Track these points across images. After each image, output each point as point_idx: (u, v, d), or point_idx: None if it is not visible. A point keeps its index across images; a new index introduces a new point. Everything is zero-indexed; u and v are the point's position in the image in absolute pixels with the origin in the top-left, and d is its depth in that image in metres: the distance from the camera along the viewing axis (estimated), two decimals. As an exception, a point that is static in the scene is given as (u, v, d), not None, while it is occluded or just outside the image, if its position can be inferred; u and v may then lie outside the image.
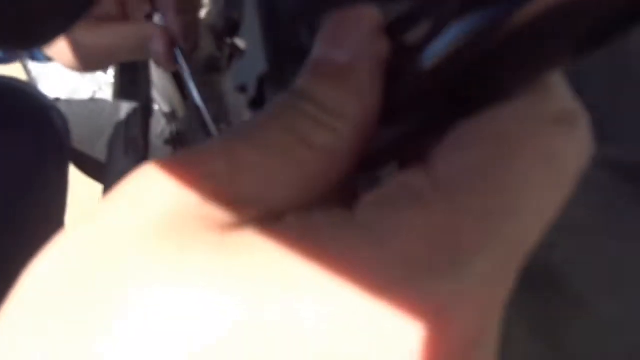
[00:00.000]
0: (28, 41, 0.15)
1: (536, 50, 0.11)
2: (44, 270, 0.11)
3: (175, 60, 0.43)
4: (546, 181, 0.11)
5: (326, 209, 0.12)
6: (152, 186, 0.12)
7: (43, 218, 0.57)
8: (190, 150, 0.13)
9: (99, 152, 0.70)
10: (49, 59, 0.51)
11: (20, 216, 0.53)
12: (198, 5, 0.45)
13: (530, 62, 0.12)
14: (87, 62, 0.46)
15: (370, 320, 0.10)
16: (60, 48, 0.45)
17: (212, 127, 0.37)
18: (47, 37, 0.16)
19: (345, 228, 0.11)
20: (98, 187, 0.72)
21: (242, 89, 0.32)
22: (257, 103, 0.32)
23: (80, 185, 0.84)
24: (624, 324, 0.24)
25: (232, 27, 0.39)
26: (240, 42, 0.54)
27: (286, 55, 0.30)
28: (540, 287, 0.26)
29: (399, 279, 0.10)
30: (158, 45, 0.42)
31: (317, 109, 0.13)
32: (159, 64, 0.45)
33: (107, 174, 0.44)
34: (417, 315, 0.10)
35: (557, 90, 0.12)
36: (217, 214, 0.12)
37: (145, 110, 0.52)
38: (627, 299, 0.25)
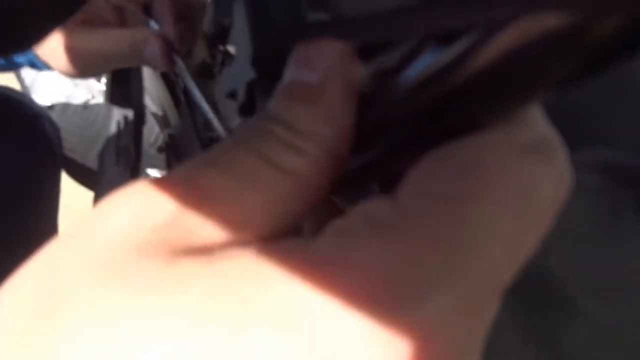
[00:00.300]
0: (9, 46, 0.14)
1: (513, 83, 0.11)
2: (3, 300, 0.11)
3: (172, 61, 0.42)
4: (518, 213, 0.11)
5: (284, 240, 0.11)
6: (110, 212, 0.12)
7: (35, 227, 0.57)
8: (150, 179, 0.12)
9: (92, 160, 0.70)
10: (47, 67, 0.50)
11: (12, 225, 0.52)
12: (197, 13, 0.44)
13: (505, 95, 0.11)
14: (82, 68, 0.45)
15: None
16: (55, 54, 0.45)
17: (217, 125, 0.36)
18: (28, 41, 0.15)
19: (298, 257, 0.10)
20: (91, 195, 0.72)
21: (232, 95, 0.32)
22: (246, 109, 0.32)
23: (74, 194, 0.83)
24: (618, 329, 0.24)
25: (223, 34, 0.39)
26: (232, 49, 0.54)
27: (276, 62, 0.30)
28: (534, 292, 0.26)
29: (350, 313, 0.10)
30: (153, 48, 0.41)
31: (286, 131, 0.12)
32: (155, 65, 0.44)
33: (98, 183, 0.44)
34: (373, 349, 0.09)
35: (532, 118, 0.12)
36: (173, 240, 0.11)
37: (137, 118, 0.51)
38: (621, 304, 0.25)
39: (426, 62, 0.12)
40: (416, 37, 0.12)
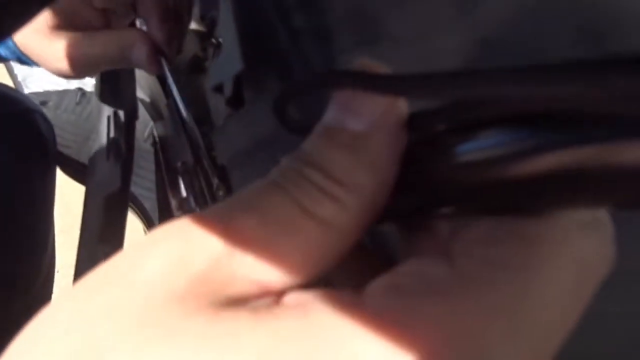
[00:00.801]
0: None
1: (576, 189, 0.10)
2: (27, 351, 0.11)
3: (159, 66, 0.42)
4: (574, 286, 0.11)
5: (329, 290, 0.11)
6: (147, 256, 0.11)
7: (30, 221, 0.57)
8: (188, 218, 0.12)
9: (86, 156, 0.70)
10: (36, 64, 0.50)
11: (5, 222, 0.52)
12: (184, 13, 0.44)
13: (568, 198, 0.11)
14: (70, 70, 0.44)
15: None
16: (42, 56, 0.45)
17: (195, 133, 0.36)
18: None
19: (354, 315, 0.10)
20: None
21: (219, 88, 0.32)
22: (234, 103, 0.32)
23: (69, 189, 0.83)
24: (620, 325, 0.24)
25: (211, 27, 0.38)
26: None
27: (263, 55, 0.30)
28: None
29: None
30: (140, 52, 0.41)
31: (324, 178, 0.12)
32: (142, 68, 0.44)
33: (88, 178, 0.44)
34: None
35: None
36: (213, 290, 0.11)
37: (129, 113, 0.51)
38: (622, 299, 0.25)
39: (496, 142, 0.11)
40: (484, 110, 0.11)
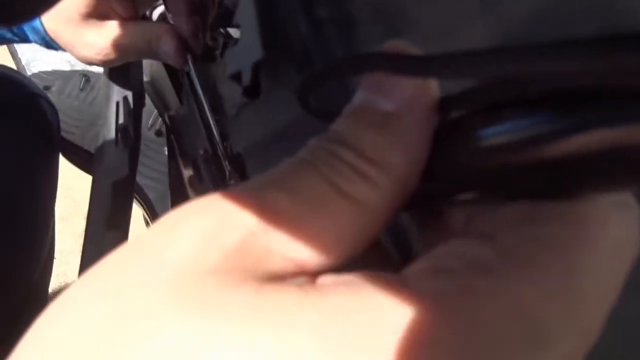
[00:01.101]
0: (11, 14, 0.14)
1: (610, 171, 0.10)
2: (62, 327, 0.10)
3: (184, 59, 0.42)
4: (615, 264, 0.11)
5: (369, 272, 0.11)
6: (179, 230, 0.11)
7: (32, 208, 0.56)
8: (218, 194, 0.12)
9: (89, 142, 0.69)
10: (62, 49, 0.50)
11: (8, 207, 0.52)
12: (209, 7, 0.44)
13: (602, 181, 0.11)
14: (98, 59, 0.45)
15: None
16: (70, 44, 0.45)
17: (211, 121, 0.36)
18: (31, 9, 0.15)
19: (405, 297, 0.10)
20: (88, 178, 0.71)
21: (237, 77, 0.31)
22: (251, 91, 0.32)
23: (69, 176, 0.82)
24: (621, 320, 0.24)
25: (225, 16, 0.38)
26: (233, 32, 0.53)
27: (283, 44, 0.29)
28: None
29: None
30: (168, 46, 0.42)
31: (356, 157, 0.12)
32: (168, 61, 0.45)
33: (95, 165, 0.43)
34: None
35: None
36: (249, 266, 0.11)
37: (137, 99, 0.51)
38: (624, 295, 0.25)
39: (523, 125, 0.11)
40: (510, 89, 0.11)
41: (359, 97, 0.13)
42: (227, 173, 0.34)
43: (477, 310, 0.10)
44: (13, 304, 0.56)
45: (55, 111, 0.61)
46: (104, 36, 0.43)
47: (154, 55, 0.44)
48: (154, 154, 0.68)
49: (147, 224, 0.71)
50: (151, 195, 0.65)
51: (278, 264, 0.11)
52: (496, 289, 0.10)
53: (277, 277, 0.11)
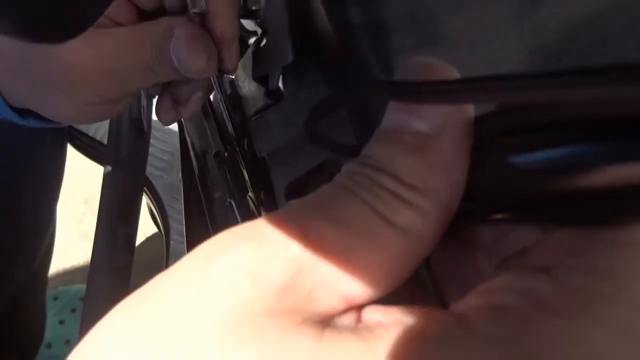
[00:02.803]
0: (71, 25, 0.13)
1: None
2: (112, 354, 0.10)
3: (212, 69, 0.28)
4: None
5: (418, 309, 0.11)
6: (222, 264, 0.11)
7: (39, 195, 0.56)
8: (259, 221, 0.11)
9: (97, 131, 0.69)
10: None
11: (15, 194, 0.51)
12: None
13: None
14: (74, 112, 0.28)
15: None
16: (13, 80, 0.28)
17: (227, 121, 0.35)
18: (86, 19, 0.14)
19: (469, 345, 0.10)
20: (96, 167, 0.71)
21: (262, 79, 0.31)
22: (276, 94, 0.31)
23: (77, 165, 0.82)
24: None
25: (246, 14, 0.37)
26: (246, 23, 0.53)
27: (311, 48, 0.29)
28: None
29: None
30: (181, 42, 0.26)
31: (398, 184, 0.12)
32: (185, 68, 0.27)
33: (107, 156, 0.43)
34: None
35: None
36: (300, 306, 0.10)
37: (148, 90, 0.50)
38: None
39: (567, 155, 0.10)
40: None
41: (390, 119, 0.13)
42: (246, 177, 0.33)
43: (544, 357, 0.10)
44: (14, 288, 0.56)
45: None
46: (85, 55, 0.26)
47: (163, 65, 0.27)
48: (161, 143, 0.67)
49: (151, 213, 0.71)
50: (157, 184, 0.65)
51: (328, 302, 0.11)
52: (560, 328, 0.10)
53: (328, 317, 0.11)
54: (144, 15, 0.29)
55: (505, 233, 0.14)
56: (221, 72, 0.30)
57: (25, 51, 0.26)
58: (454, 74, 0.13)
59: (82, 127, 0.69)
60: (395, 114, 0.13)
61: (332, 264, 0.11)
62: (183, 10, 0.28)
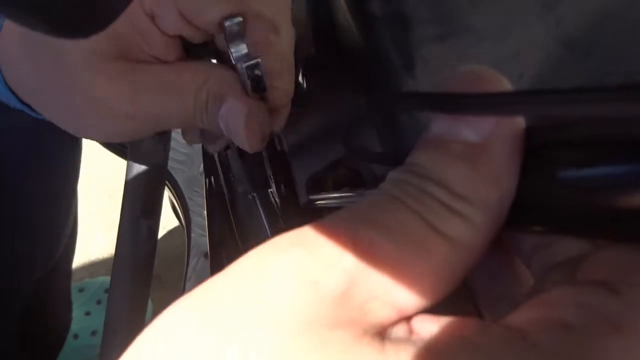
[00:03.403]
0: (92, 21, 0.13)
1: None
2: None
3: (263, 141, 0.24)
4: None
5: (473, 320, 0.10)
6: (277, 270, 0.10)
7: (58, 187, 0.57)
8: (309, 227, 0.11)
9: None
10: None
11: (31, 186, 0.52)
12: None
13: None
14: (107, 134, 0.25)
15: None
16: (55, 109, 0.26)
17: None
18: (113, 11, 0.13)
19: (533, 356, 0.09)
20: (119, 160, 0.72)
21: (282, 72, 0.31)
22: (297, 88, 0.31)
23: (101, 159, 0.83)
24: None
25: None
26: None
27: (332, 41, 0.29)
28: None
29: None
30: (236, 117, 0.22)
31: (447, 194, 0.11)
32: (238, 143, 0.24)
33: (131, 150, 0.43)
34: None
35: None
36: (356, 318, 0.10)
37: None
38: None
39: (615, 173, 0.10)
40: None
41: (438, 126, 0.12)
42: (268, 170, 0.33)
43: None
44: (37, 278, 0.57)
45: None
46: (124, 97, 0.23)
47: (202, 124, 0.24)
48: (179, 136, 0.68)
49: (173, 206, 0.72)
50: (178, 178, 0.65)
51: (382, 313, 0.11)
52: (624, 344, 0.10)
53: (383, 328, 0.11)
54: (187, 49, 0.25)
55: (548, 241, 0.13)
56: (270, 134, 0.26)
57: (59, 83, 0.24)
58: (505, 84, 0.12)
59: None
60: (443, 122, 0.12)
61: (384, 275, 0.11)
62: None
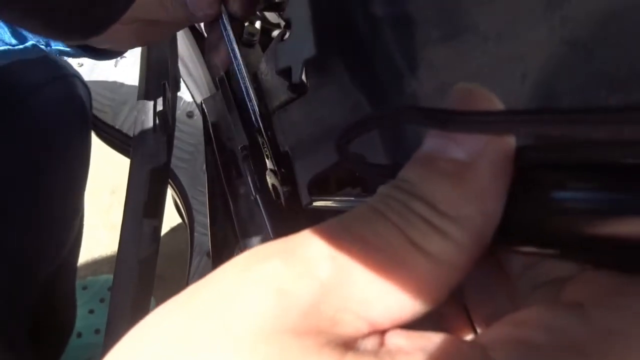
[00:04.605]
0: (93, 25, 0.13)
1: None
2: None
3: (216, 11, 0.32)
4: None
5: (441, 335, 0.10)
6: (254, 279, 0.11)
7: (66, 185, 0.57)
8: (291, 238, 0.11)
9: (120, 121, 0.70)
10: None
11: (41, 182, 0.53)
12: None
13: None
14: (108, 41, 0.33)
15: None
16: None
17: (253, 113, 0.35)
18: (115, 12, 0.13)
19: None
20: (122, 158, 0.72)
21: (284, 72, 0.31)
22: (299, 87, 0.31)
23: (104, 157, 0.83)
24: None
25: (270, 6, 0.37)
26: (270, 16, 0.52)
27: (335, 41, 0.29)
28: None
29: None
30: None
31: (430, 211, 0.11)
32: (196, 10, 0.32)
33: (134, 150, 0.43)
34: None
35: None
36: (324, 328, 0.10)
37: (173, 84, 0.50)
38: None
39: (602, 201, 0.10)
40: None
41: (428, 143, 0.13)
42: (268, 169, 0.33)
43: None
44: (44, 276, 0.58)
45: (88, 91, 0.61)
46: None
47: (170, 3, 0.30)
48: (186, 136, 0.68)
49: (176, 206, 0.72)
50: (182, 176, 0.65)
51: (352, 325, 0.11)
52: None
53: (352, 340, 0.11)
54: None
55: (538, 260, 0.13)
56: (231, 16, 0.33)
57: None
58: (495, 102, 0.12)
59: (108, 120, 0.70)
60: (434, 139, 0.12)
61: (358, 287, 0.11)
62: None
